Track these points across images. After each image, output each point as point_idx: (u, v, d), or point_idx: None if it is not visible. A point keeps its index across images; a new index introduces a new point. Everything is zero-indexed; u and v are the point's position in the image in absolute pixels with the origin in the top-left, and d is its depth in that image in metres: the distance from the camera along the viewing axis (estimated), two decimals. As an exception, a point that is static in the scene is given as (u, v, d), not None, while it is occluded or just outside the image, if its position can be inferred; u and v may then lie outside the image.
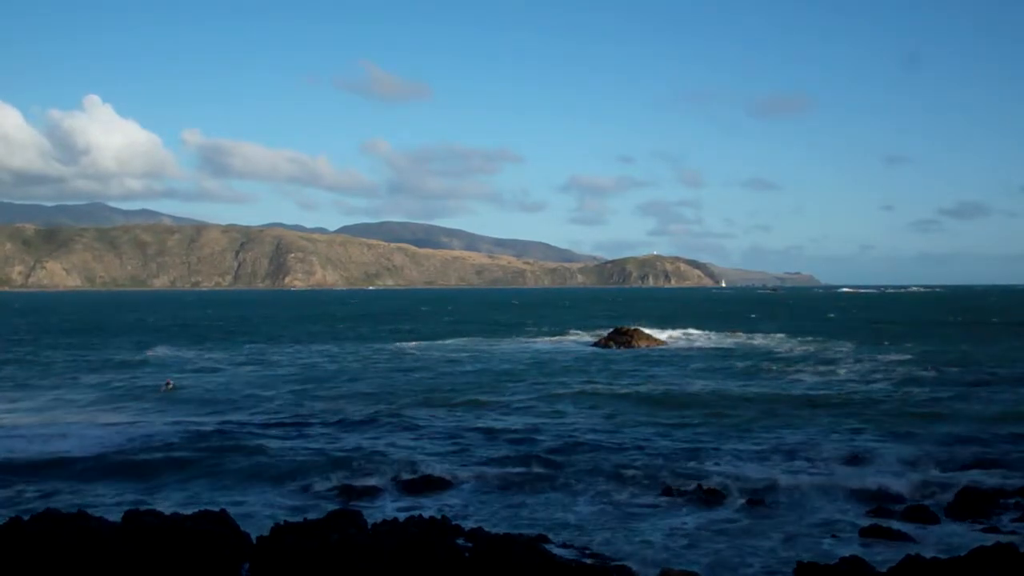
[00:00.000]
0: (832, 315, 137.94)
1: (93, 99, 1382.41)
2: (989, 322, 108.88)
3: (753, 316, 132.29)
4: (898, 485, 23.26)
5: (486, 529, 17.59)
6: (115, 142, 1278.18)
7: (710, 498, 21.81)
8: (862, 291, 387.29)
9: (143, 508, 17.99)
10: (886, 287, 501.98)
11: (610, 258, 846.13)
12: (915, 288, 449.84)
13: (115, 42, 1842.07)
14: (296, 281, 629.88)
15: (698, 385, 45.24)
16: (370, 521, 16.89)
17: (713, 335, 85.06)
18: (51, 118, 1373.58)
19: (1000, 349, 65.65)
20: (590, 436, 30.82)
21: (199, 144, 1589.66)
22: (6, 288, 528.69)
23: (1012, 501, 21.44)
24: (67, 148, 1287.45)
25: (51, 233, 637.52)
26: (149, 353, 66.90)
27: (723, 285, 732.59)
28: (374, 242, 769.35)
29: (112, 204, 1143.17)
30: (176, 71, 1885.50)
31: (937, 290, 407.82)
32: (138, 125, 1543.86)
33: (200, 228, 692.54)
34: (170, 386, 44.56)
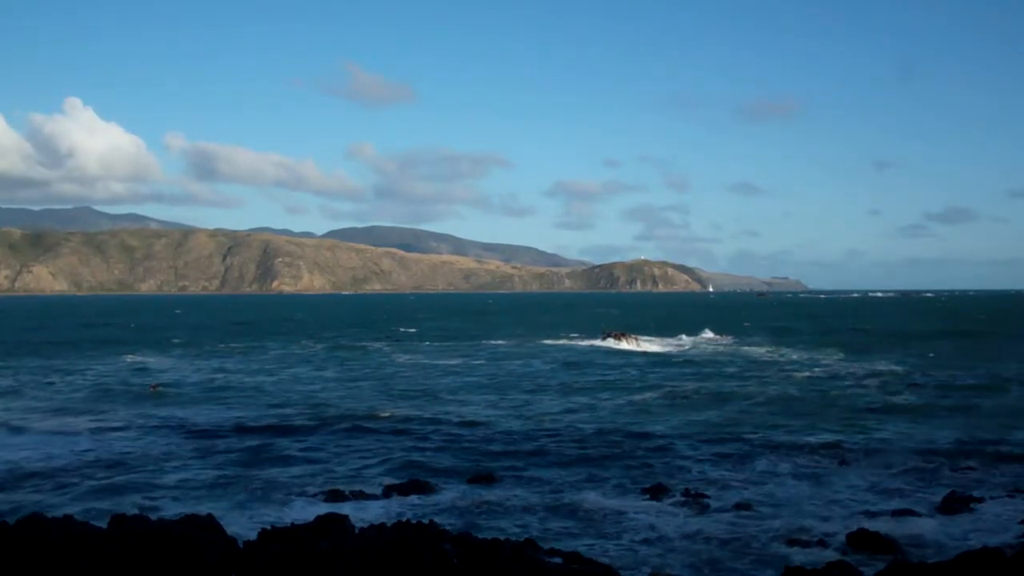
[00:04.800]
0: (816, 320, 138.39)
1: (74, 102, 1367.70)
2: (970, 328, 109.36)
3: (743, 322, 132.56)
4: (886, 488, 23.37)
5: (473, 535, 17.55)
6: (98, 145, 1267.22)
7: (696, 502, 21.81)
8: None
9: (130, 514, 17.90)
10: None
11: (598, 263, 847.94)
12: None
13: (94, 45, 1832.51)
14: (284, 286, 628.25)
15: (684, 389, 45.30)
16: (357, 526, 16.82)
17: (703, 340, 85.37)
18: (32, 121, 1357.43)
19: (984, 356, 65.93)
20: (575, 441, 30.83)
21: (183, 148, 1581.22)
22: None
23: (1000, 504, 21.55)
24: (50, 151, 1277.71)
25: (38, 237, 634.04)
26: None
27: (710, 290, 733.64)
28: (362, 247, 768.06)
29: (99, 208, 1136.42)
30: (157, 74, 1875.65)
31: (928, 295, 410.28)
32: (121, 129, 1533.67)
33: (187, 232, 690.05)
34: (156, 388, 44.35)
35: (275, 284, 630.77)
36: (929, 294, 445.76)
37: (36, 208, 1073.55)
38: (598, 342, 77.78)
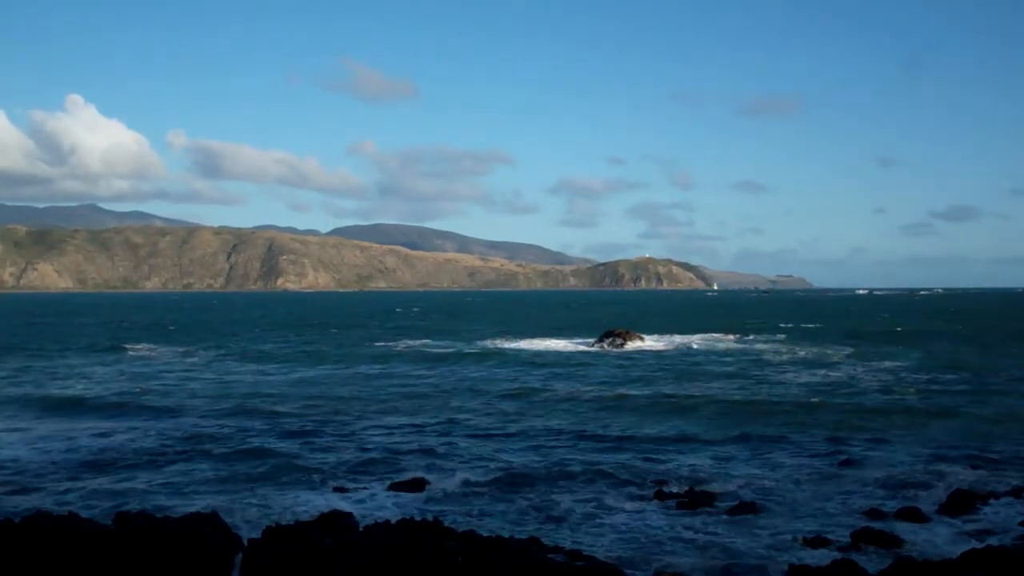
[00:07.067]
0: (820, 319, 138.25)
1: (76, 99, 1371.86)
2: (974, 328, 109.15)
3: (747, 321, 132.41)
4: (889, 488, 23.33)
5: (478, 532, 17.57)
6: (101, 143, 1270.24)
7: (702, 501, 21.80)
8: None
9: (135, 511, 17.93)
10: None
11: (602, 260, 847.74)
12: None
13: (95, 42, 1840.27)
14: (288, 283, 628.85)
15: (690, 388, 45.26)
16: (361, 524, 16.84)
17: (707, 339, 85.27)
18: (34, 119, 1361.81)
19: (992, 354, 65.83)
20: (578, 439, 30.85)
21: (186, 145, 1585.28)
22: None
23: (1003, 503, 21.52)
24: (53, 149, 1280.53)
25: (42, 235, 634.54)
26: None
27: (715, 288, 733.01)
28: (366, 244, 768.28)
29: (103, 206, 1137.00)
30: (158, 71, 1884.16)
31: (924, 292, 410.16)
32: (123, 125, 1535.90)
33: (192, 230, 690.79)
34: (143, 390, 44.30)
35: (280, 282, 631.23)
36: (925, 291, 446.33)
37: (41, 205, 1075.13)
38: (599, 343, 77.64)
